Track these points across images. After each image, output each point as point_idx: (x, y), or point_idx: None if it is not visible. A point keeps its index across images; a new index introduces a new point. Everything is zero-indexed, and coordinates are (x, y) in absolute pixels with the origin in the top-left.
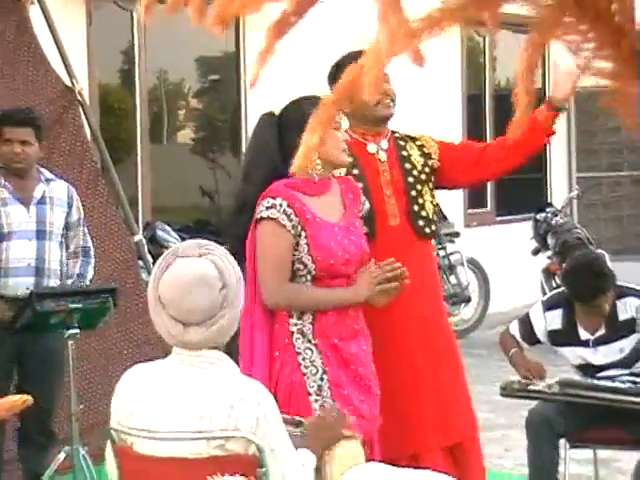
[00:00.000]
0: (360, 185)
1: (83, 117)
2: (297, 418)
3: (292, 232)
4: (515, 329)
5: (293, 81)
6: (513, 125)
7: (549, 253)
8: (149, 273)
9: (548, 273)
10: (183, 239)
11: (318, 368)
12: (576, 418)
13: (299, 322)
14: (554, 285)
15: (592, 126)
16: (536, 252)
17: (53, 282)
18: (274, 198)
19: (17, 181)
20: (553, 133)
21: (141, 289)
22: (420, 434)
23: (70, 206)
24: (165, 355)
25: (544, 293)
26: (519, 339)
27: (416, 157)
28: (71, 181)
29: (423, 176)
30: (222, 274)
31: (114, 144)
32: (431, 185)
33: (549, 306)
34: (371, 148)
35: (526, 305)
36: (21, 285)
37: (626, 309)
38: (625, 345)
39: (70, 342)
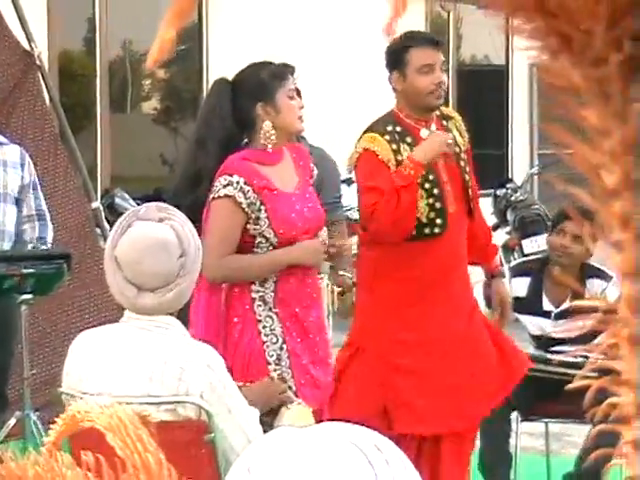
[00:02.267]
0: (431, 177)
1: (42, 82)
2: (237, 383)
3: (248, 210)
4: (479, 293)
5: (257, 51)
6: None
7: (508, 229)
8: (106, 240)
9: (507, 248)
10: None
11: (278, 337)
12: (528, 391)
13: (261, 289)
14: (512, 261)
15: (554, 102)
16: (495, 227)
17: (7, 245)
18: (231, 175)
19: None
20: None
21: (98, 256)
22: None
23: (23, 168)
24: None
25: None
26: (481, 303)
27: (458, 138)
28: (30, 146)
29: (466, 157)
30: (181, 241)
31: (74, 111)
32: (468, 168)
33: (516, 273)
34: (424, 133)
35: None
36: None
37: (592, 289)
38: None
39: (23, 307)
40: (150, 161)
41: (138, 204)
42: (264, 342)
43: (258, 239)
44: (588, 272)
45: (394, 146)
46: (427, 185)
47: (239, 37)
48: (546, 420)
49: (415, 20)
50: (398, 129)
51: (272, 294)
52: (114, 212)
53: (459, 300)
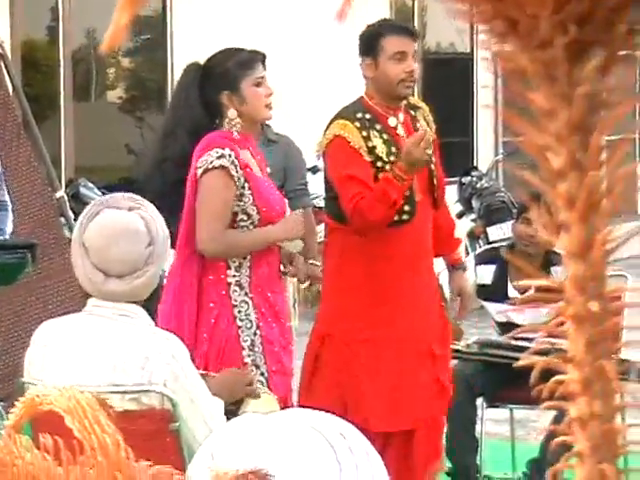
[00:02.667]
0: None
1: (4, 71)
2: (200, 371)
3: (237, 183)
4: (444, 279)
5: (222, 40)
6: None
7: (473, 216)
8: (71, 230)
9: (472, 236)
10: None
11: (252, 322)
12: (493, 377)
13: (237, 274)
14: (478, 248)
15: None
16: (461, 215)
17: None
18: (222, 148)
19: None
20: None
21: (62, 246)
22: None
23: None
24: None
25: (468, 255)
26: (445, 290)
27: (425, 128)
28: None
29: (432, 147)
30: (150, 230)
31: (38, 101)
32: (434, 158)
33: (481, 260)
34: (392, 121)
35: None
36: None
37: (558, 277)
38: (551, 310)
39: None
40: (115, 151)
41: (103, 193)
42: (239, 327)
43: (240, 216)
44: (553, 260)
45: (364, 133)
46: None
47: (204, 26)
48: (511, 406)
49: (380, 8)
50: (368, 116)
51: (247, 279)
52: (79, 201)
53: (425, 296)
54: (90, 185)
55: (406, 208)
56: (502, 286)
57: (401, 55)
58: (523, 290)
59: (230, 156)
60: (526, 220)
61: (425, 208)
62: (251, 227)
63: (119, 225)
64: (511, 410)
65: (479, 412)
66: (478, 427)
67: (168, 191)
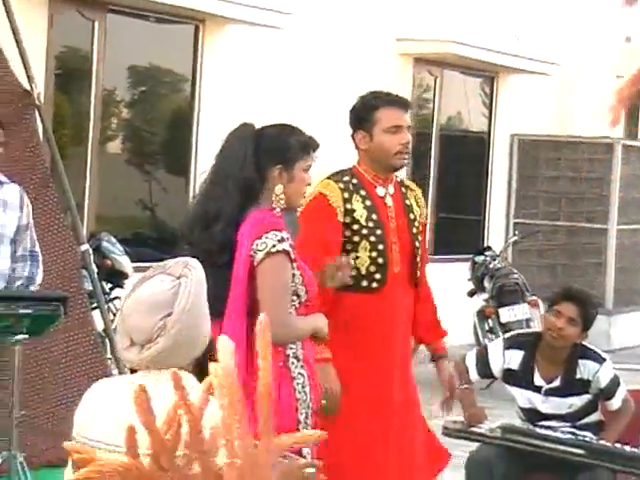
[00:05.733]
0: (378, 232)
1: (39, 122)
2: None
3: (292, 265)
4: (471, 360)
5: (245, 103)
6: None
7: (485, 296)
8: (92, 283)
9: (482, 316)
10: (127, 252)
11: (307, 395)
12: (515, 464)
13: (294, 346)
14: (487, 328)
15: (533, 173)
16: (472, 294)
17: (0, 285)
18: (279, 231)
19: None
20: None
21: (81, 299)
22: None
23: (22, 210)
24: (103, 366)
25: (476, 335)
26: (472, 371)
27: (415, 208)
28: (20, 186)
29: (420, 227)
30: (175, 301)
31: (64, 151)
32: (421, 237)
33: (510, 345)
34: (380, 191)
35: (456, 346)
36: None
37: (585, 370)
38: (575, 402)
39: (17, 347)
40: (131, 204)
41: (124, 248)
42: (297, 399)
43: (290, 297)
44: (580, 353)
45: (346, 195)
46: (373, 239)
47: (228, 87)
48: None
49: (403, 83)
50: (354, 181)
51: (302, 351)
52: (100, 255)
53: (399, 367)
54: (112, 239)
55: (377, 276)
56: (529, 373)
57: (396, 128)
58: (549, 380)
59: (288, 239)
60: (557, 313)
61: (402, 281)
62: (297, 306)
63: (145, 294)
64: None
65: None
66: None
67: (216, 250)
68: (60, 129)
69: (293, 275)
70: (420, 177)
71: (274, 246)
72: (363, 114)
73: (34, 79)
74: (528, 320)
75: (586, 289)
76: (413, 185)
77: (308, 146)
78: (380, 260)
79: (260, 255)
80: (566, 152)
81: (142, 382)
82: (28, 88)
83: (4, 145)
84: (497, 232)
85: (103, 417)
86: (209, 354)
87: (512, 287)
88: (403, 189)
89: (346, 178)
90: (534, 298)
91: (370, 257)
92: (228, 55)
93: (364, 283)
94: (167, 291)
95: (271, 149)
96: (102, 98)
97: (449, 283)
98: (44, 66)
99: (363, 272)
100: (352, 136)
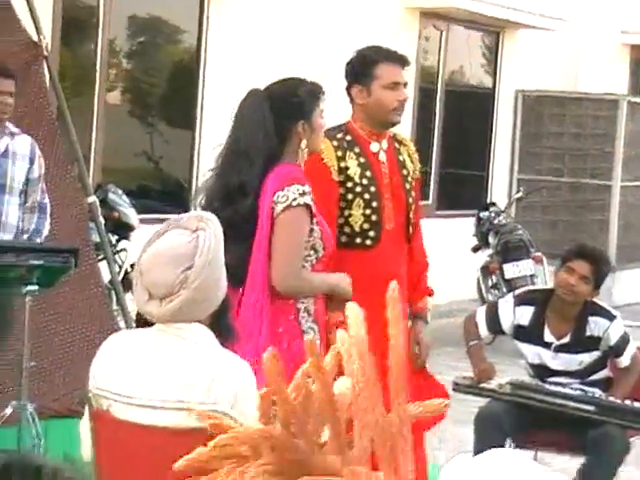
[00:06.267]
0: (372, 189)
1: (47, 73)
2: None
3: (312, 220)
4: (481, 317)
5: (250, 54)
6: None
7: (489, 252)
8: (99, 235)
9: (486, 271)
10: (132, 204)
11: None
12: (523, 419)
13: (305, 300)
14: (491, 284)
15: (537, 129)
16: (476, 249)
17: (8, 236)
18: (302, 185)
19: None
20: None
21: (88, 251)
22: None
23: (32, 162)
24: (110, 317)
25: (480, 291)
26: (482, 327)
27: (409, 163)
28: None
29: (413, 183)
30: (195, 254)
31: (69, 103)
32: (414, 193)
33: (521, 301)
34: (374, 147)
35: (460, 301)
36: None
37: (595, 327)
38: (585, 359)
39: (27, 299)
40: (137, 156)
41: (130, 200)
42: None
43: (307, 251)
44: (591, 310)
45: (339, 153)
46: (367, 196)
47: (237, 43)
48: (537, 448)
49: (409, 37)
50: (348, 138)
51: (313, 307)
52: (107, 207)
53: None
54: (119, 191)
55: (371, 234)
56: (539, 329)
57: (395, 84)
58: (559, 336)
59: (310, 193)
60: (569, 270)
61: (396, 238)
62: (314, 262)
63: (165, 248)
64: (536, 453)
65: None
66: None
67: (238, 221)
68: (66, 81)
69: (312, 230)
70: (424, 132)
71: (295, 199)
72: (362, 68)
73: (42, 30)
74: (532, 276)
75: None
76: (406, 140)
77: (317, 92)
78: (374, 217)
79: (280, 207)
80: (571, 108)
81: (162, 336)
82: (36, 39)
83: (14, 96)
84: (501, 188)
85: (120, 369)
86: (224, 310)
87: (517, 243)
88: (396, 144)
89: (340, 135)
90: (538, 254)
91: (364, 215)
92: (234, 8)
93: (358, 240)
94: (187, 244)
95: (288, 108)
96: (108, 50)
97: (453, 239)
98: (50, 17)
99: (357, 230)
100: (347, 89)
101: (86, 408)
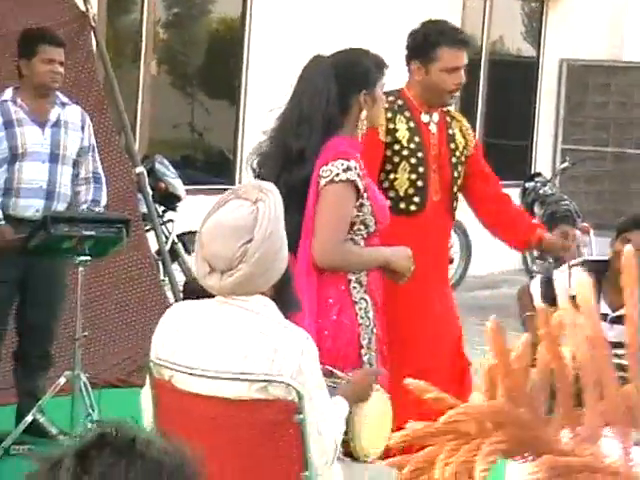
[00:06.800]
0: (420, 154)
1: (94, 43)
2: (328, 368)
3: (359, 195)
4: (536, 288)
5: (295, 26)
6: None
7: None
8: (147, 206)
9: None
10: (178, 175)
11: (371, 320)
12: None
13: (357, 271)
14: (536, 254)
15: (581, 99)
16: None
17: (61, 206)
18: (348, 160)
19: (34, 102)
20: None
21: (139, 222)
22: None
23: (83, 131)
24: (158, 288)
25: (525, 261)
26: (537, 298)
27: (459, 139)
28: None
29: (462, 158)
30: (255, 225)
31: (116, 73)
32: (461, 168)
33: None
34: (424, 118)
35: (504, 271)
36: (31, 207)
37: None
38: None
39: (80, 269)
40: (179, 127)
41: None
42: (360, 324)
43: (357, 226)
44: None
45: (389, 114)
46: (413, 160)
47: (283, 17)
48: None
49: (452, 7)
50: (400, 102)
51: (366, 278)
52: (154, 177)
53: (436, 301)
54: (165, 162)
55: (415, 199)
56: (595, 300)
57: (454, 69)
58: (615, 307)
59: (356, 168)
60: (625, 240)
61: (441, 211)
62: (365, 236)
63: (225, 220)
64: None
65: None
66: None
67: (299, 186)
68: (111, 52)
69: (362, 205)
70: (468, 102)
71: (337, 175)
72: (423, 47)
73: (89, 0)
74: (578, 247)
75: None
76: (459, 116)
77: (382, 64)
78: (419, 183)
79: (323, 182)
80: (616, 77)
81: (223, 308)
82: (84, 9)
83: (64, 65)
84: (545, 158)
85: (182, 341)
86: (286, 280)
87: (563, 213)
88: (448, 118)
89: (391, 98)
90: (585, 225)
91: (409, 179)
92: None
93: (402, 205)
94: (247, 216)
95: (354, 76)
96: (153, 21)
97: None
98: None
99: (401, 194)
100: (407, 60)
101: (147, 377)
